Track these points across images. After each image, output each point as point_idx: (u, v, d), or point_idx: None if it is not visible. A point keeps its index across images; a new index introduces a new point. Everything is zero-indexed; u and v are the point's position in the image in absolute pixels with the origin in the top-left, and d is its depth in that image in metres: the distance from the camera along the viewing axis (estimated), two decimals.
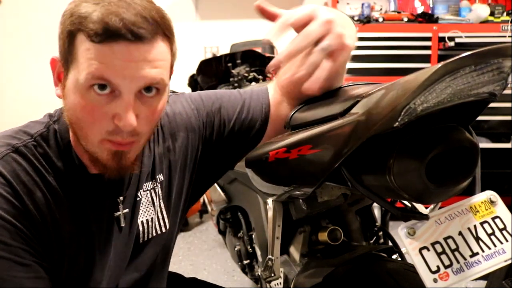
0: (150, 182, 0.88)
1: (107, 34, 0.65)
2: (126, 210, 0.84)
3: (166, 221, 0.91)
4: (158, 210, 0.90)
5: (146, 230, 0.88)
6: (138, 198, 0.86)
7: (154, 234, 0.89)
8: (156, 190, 0.89)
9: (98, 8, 0.66)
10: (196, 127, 0.93)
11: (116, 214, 0.83)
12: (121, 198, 0.83)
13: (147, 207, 0.88)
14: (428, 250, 0.67)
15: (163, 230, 0.90)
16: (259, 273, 1.49)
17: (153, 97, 0.72)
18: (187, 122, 0.92)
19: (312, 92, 0.82)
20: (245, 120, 0.93)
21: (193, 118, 0.93)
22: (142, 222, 0.87)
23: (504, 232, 0.69)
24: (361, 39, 3.03)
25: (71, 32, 0.68)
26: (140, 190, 0.87)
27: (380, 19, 3.20)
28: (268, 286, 1.18)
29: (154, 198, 0.89)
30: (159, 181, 0.89)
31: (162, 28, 0.70)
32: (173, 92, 1.03)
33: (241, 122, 0.93)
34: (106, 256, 0.81)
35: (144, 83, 0.69)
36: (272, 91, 0.95)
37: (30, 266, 0.70)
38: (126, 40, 0.66)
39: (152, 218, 0.89)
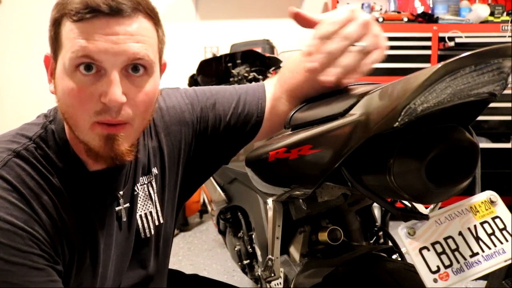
0: (146, 177, 0.89)
1: (87, 11, 0.67)
2: (127, 205, 0.85)
3: (160, 214, 0.91)
4: (155, 204, 0.90)
5: (146, 225, 0.89)
6: (135, 192, 0.87)
7: (154, 229, 0.90)
8: (153, 184, 0.90)
9: None
10: (189, 122, 0.93)
11: (117, 208, 0.83)
12: (121, 193, 0.84)
13: (145, 201, 0.89)
14: (428, 250, 0.67)
15: (157, 223, 0.91)
16: (259, 273, 1.49)
17: (141, 77, 0.72)
18: (181, 116, 0.93)
19: (329, 84, 0.78)
20: (240, 114, 0.93)
21: (186, 113, 0.93)
22: (140, 216, 0.88)
23: (504, 232, 0.69)
24: None
25: (56, 20, 0.70)
26: (137, 184, 0.87)
27: (380, 19, 3.19)
28: (268, 286, 1.18)
29: (152, 192, 0.90)
30: (153, 175, 0.90)
31: (144, 7, 0.71)
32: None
33: (236, 117, 0.93)
34: (109, 251, 0.82)
35: (127, 58, 0.69)
36: (270, 87, 0.95)
37: (44, 270, 0.70)
38: (106, 15, 0.67)
39: (151, 212, 0.89)
